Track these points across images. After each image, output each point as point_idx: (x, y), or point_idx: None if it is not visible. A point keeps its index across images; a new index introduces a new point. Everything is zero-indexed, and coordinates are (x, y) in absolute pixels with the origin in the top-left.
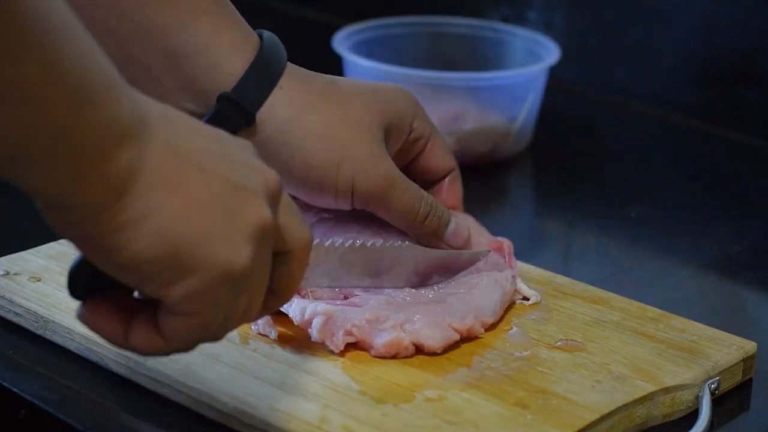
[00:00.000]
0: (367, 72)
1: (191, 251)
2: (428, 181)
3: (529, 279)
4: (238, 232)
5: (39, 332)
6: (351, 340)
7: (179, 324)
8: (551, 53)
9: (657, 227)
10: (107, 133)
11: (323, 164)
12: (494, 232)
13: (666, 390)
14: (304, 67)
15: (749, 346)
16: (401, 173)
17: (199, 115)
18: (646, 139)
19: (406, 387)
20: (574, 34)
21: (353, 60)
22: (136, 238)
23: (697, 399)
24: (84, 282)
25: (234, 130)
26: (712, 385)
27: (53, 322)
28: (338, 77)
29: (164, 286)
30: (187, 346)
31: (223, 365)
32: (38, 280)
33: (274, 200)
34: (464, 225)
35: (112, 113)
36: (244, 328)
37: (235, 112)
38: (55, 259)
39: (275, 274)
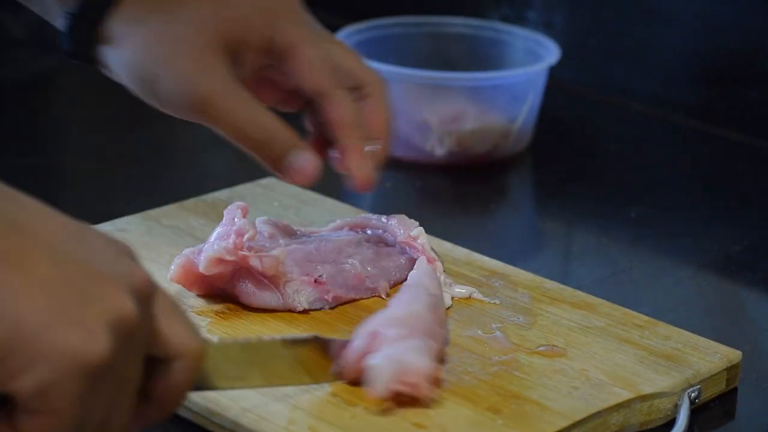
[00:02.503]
0: None
1: (36, 335)
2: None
3: (518, 283)
4: (94, 319)
5: None
6: (405, 390)
7: (35, 423)
8: (551, 53)
9: (657, 227)
10: None
11: (146, 77)
12: (494, 231)
13: (643, 398)
14: None
15: (733, 355)
16: (233, 93)
17: None
18: (646, 139)
19: None
20: (574, 34)
21: None
22: None
23: (676, 407)
24: None
25: (85, 47)
26: (692, 394)
27: None
28: None
29: (11, 378)
30: None
31: None
32: None
33: (141, 297)
34: (313, 161)
35: None
36: None
37: (80, 29)
38: None
39: (155, 381)
